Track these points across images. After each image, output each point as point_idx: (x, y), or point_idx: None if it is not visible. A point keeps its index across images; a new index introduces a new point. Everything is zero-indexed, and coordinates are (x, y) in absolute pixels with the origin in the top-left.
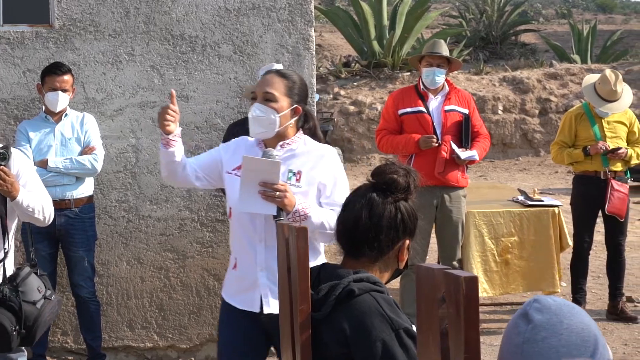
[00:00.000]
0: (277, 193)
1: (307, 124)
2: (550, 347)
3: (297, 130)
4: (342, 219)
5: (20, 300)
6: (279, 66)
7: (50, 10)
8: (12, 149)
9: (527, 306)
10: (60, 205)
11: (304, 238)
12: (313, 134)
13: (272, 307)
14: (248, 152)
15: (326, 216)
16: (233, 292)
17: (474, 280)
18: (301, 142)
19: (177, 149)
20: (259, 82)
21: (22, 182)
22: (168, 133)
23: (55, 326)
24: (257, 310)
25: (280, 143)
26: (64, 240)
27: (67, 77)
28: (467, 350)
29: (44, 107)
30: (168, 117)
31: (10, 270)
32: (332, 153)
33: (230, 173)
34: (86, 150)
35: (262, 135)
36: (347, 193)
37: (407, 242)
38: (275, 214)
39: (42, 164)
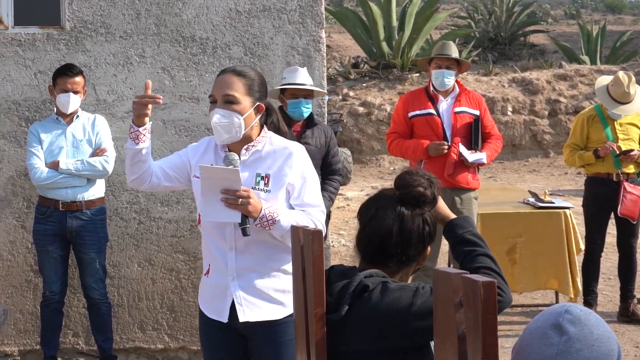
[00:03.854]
0: (240, 200)
1: (269, 118)
2: (584, 359)
3: (262, 128)
4: (368, 231)
5: None
6: (303, 70)
7: (61, 12)
8: None
9: (558, 317)
10: (71, 207)
11: (319, 242)
12: (277, 129)
13: (246, 315)
14: (216, 155)
15: (296, 218)
16: (205, 300)
17: (492, 285)
18: (267, 141)
19: (147, 145)
20: (216, 84)
21: None
22: (141, 125)
23: (66, 327)
24: (225, 320)
25: (246, 146)
26: (75, 242)
27: (78, 79)
28: (485, 355)
29: (55, 109)
30: (148, 105)
31: None
32: (299, 150)
33: (198, 177)
34: (97, 151)
35: (228, 141)
36: (318, 192)
37: (429, 248)
38: (239, 221)
39: (53, 166)
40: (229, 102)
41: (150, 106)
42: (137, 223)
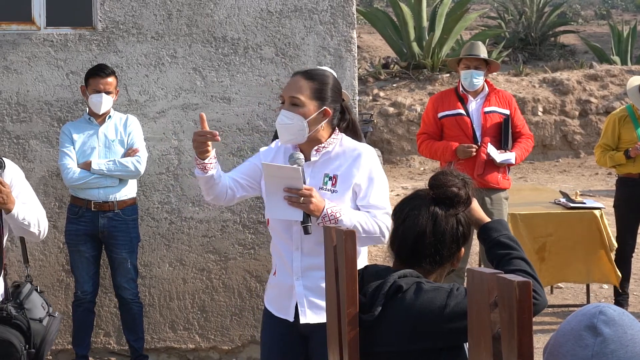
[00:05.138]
0: (302, 198)
1: (343, 122)
2: None
3: (333, 130)
4: (402, 231)
5: (27, 318)
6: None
7: (93, 13)
8: (4, 158)
9: (592, 318)
10: (103, 207)
11: (352, 242)
12: (353, 131)
13: (308, 317)
14: (286, 156)
15: (359, 219)
16: (271, 299)
17: (527, 285)
18: (337, 143)
19: (216, 171)
20: (286, 85)
21: (15, 193)
22: (205, 158)
23: (98, 327)
24: (292, 319)
25: (316, 148)
26: (107, 242)
27: (110, 79)
28: (520, 355)
29: (87, 109)
30: (206, 145)
31: (1, 286)
32: (368, 152)
33: None
34: (129, 152)
35: (292, 142)
36: (385, 194)
37: (463, 249)
38: (301, 219)
39: (85, 166)
40: (295, 105)
41: (210, 142)
42: (169, 223)
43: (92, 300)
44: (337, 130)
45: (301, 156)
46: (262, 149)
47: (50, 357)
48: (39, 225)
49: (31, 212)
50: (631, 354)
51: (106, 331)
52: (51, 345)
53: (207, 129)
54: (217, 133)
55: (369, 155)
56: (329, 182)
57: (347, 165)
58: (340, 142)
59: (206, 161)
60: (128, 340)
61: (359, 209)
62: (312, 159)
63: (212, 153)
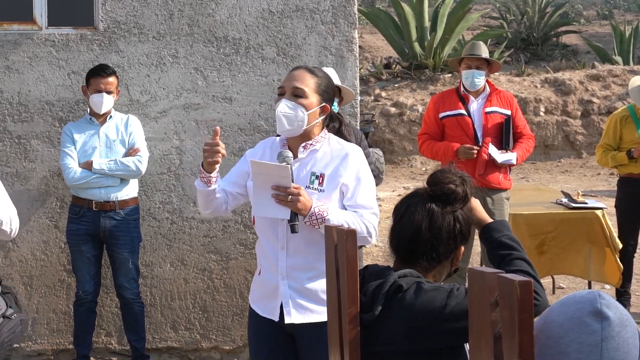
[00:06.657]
0: (290, 197)
1: (331, 123)
2: (624, 340)
3: (322, 129)
4: (399, 228)
5: None
6: (331, 70)
7: (95, 13)
8: None
9: (594, 303)
10: (104, 207)
11: (353, 241)
12: (338, 134)
13: (293, 317)
14: (274, 154)
15: (347, 219)
16: (256, 298)
17: (528, 285)
18: (325, 141)
19: (217, 184)
20: (286, 77)
21: None
22: (212, 171)
23: (99, 327)
24: (277, 319)
25: (303, 144)
26: (109, 242)
27: (112, 79)
28: (521, 355)
29: (88, 109)
30: (218, 156)
31: None
32: (356, 152)
33: None
34: (130, 151)
35: (289, 133)
36: (372, 194)
37: (462, 248)
38: (289, 217)
39: (86, 166)
40: (297, 96)
41: (218, 155)
42: (170, 223)
43: (93, 300)
44: (326, 130)
45: (290, 154)
46: (248, 152)
47: (52, 356)
48: (11, 224)
49: (3, 210)
50: (631, 333)
51: (107, 331)
52: (5, 347)
53: (220, 143)
54: (225, 153)
55: (356, 155)
56: (316, 181)
57: (334, 165)
58: (328, 142)
59: (212, 174)
60: (129, 340)
61: (346, 209)
62: (299, 155)
63: (217, 168)
